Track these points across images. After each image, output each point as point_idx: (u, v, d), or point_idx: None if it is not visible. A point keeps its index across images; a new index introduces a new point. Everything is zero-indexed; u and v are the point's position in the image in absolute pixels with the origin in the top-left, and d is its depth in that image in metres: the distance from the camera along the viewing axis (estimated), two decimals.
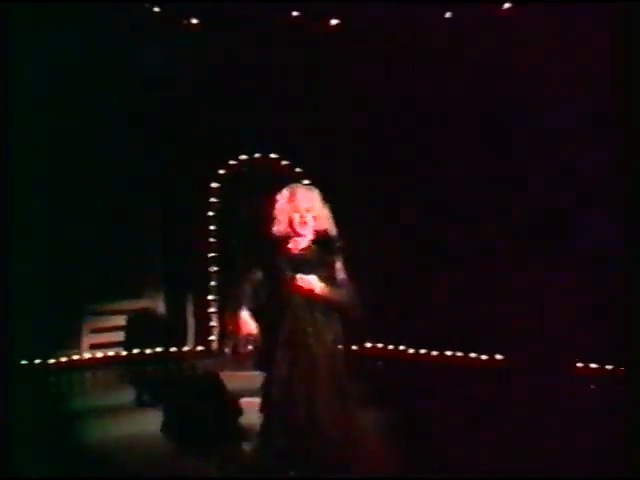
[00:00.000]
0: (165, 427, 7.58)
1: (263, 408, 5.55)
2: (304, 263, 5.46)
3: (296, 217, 5.50)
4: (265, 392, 5.53)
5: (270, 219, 5.59)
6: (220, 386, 7.88)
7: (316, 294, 5.38)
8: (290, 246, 5.53)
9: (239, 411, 7.42)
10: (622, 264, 6.05)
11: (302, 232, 5.50)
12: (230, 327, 5.16)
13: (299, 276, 5.37)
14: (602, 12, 6.68)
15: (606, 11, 6.54)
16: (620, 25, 5.84)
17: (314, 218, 5.51)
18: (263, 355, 5.65)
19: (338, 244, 5.52)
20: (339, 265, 5.51)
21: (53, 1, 7.47)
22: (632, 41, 5.55)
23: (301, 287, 5.37)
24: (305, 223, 5.50)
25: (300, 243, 5.53)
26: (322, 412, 5.31)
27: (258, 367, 5.73)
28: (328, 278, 5.44)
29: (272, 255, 5.55)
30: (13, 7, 6.14)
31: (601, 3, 6.70)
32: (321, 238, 5.52)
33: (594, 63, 7.30)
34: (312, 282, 5.37)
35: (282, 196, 5.58)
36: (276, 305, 5.48)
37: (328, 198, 5.63)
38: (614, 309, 6.80)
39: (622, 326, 5.61)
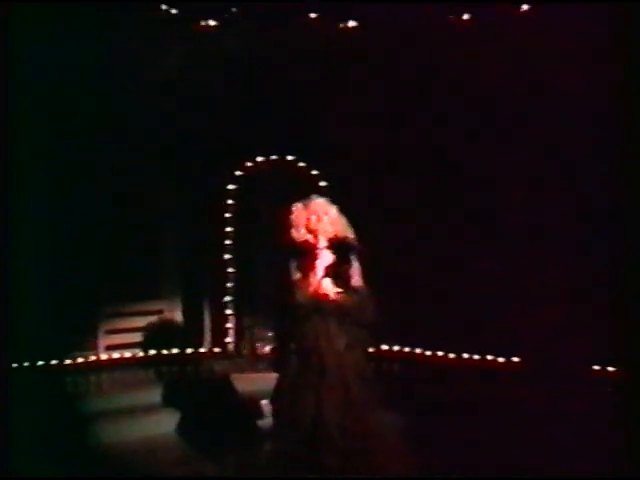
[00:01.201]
0: (182, 428, 7.60)
1: (274, 412, 5.58)
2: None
3: (313, 218, 5.53)
4: (276, 395, 5.56)
5: (288, 226, 5.62)
6: (237, 388, 7.90)
7: (330, 299, 5.39)
8: (308, 252, 5.55)
9: (255, 413, 7.44)
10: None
11: (319, 229, 5.52)
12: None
13: (313, 281, 5.39)
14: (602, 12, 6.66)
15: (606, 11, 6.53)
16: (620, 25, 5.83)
17: (331, 223, 5.54)
18: (279, 358, 5.68)
19: (355, 251, 5.53)
20: (355, 271, 5.52)
21: (58, 1, 7.49)
22: (632, 41, 5.54)
23: (316, 292, 5.37)
24: (321, 221, 5.53)
25: (318, 249, 5.55)
26: (330, 420, 5.31)
27: (276, 369, 5.76)
28: (343, 284, 5.44)
29: (289, 260, 5.58)
30: (19, 7, 6.18)
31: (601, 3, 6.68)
32: (337, 244, 5.53)
33: (594, 63, 7.28)
34: (326, 287, 5.39)
35: (296, 206, 5.64)
36: (291, 310, 5.49)
37: (345, 206, 5.66)
38: (632, 312, 6.81)
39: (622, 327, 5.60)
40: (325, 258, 5.50)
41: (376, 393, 5.59)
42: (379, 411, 5.60)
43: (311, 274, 5.47)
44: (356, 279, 5.52)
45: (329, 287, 5.41)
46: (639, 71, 5.47)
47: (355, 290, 5.48)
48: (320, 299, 5.40)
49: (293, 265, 5.56)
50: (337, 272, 5.46)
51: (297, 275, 5.52)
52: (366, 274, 5.60)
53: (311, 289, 5.41)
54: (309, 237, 5.56)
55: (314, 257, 5.51)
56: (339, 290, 5.43)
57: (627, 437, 5.26)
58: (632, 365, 5.47)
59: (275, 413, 5.58)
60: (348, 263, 5.50)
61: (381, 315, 5.61)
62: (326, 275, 5.44)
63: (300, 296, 5.44)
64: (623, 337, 5.95)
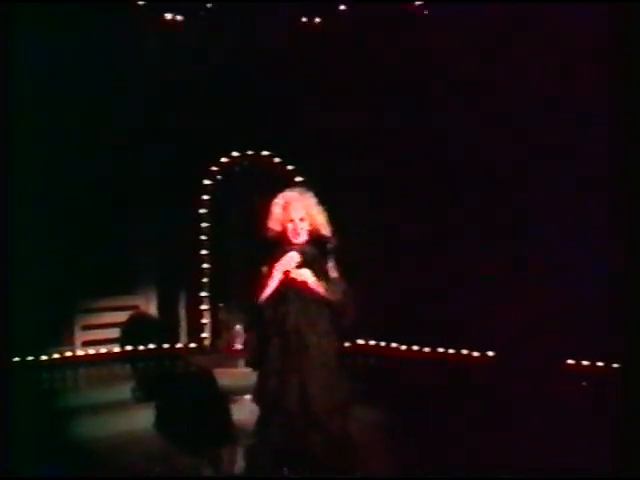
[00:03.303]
0: (158, 424, 7.61)
1: (257, 400, 5.58)
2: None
3: (289, 227, 5.54)
4: (260, 384, 5.57)
5: (264, 228, 5.63)
6: (213, 383, 7.92)
7: (309, 287, 5.41)
8: (285, 245, 5.57)
9: (233, 407, 7.46)
10: (616, 262, 6.11)
11: (297, 242, 5.54)
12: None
13: (293, 269, 5.41)
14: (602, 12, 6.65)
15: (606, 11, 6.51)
16: (620, 25, 5.83)
17: (309, 221, 5.56)
18: (255, 351, 5.69)
19: (332, 245, 5.56)
20: (332, 264, 5.55)
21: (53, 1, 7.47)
22: (632, 41, 5.55)
23: (294, 280, 5.40)
24: (298, 234, 5.54)
25: (294, 243, 5.57)
26: (315, 401, 5.33)
27: (250, 364, 5.77)
28: (322, 274, 5.47)
29: (268, 249, 5.60)
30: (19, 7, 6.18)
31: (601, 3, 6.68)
32: (315, 238, 5.56)
33: (594, 63, 7.30)
34: (305, 275, 5.41)
35: (275, 205, 5.62)
36: (270, 298, 5.52)
37: (322, 199, 5.67)
38: (606, 306, 6.85)
39: (620, 324, 5.61)
40: (304, 249, 5.54)
41: (350, 385, 5.63)
42: (352, 404, 5.64)
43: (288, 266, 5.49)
44: (333, 273, 5.54)
45: (308, 275, 5.43)
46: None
47: (334, 283, 5.51)
48: (299, 286, 5.42)
49: (270, 258, 5.59)
50: (315, 266, 5.49)
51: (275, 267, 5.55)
52: (343, 269, 5.64)
53: (291, 276, 5.43)
54: (284, 241, 5.57)
55: (293, 247, 5.54)
56: (318, 280, 5.45)
57: (627, 434, 5.27)
58: (630, 362, 5.49)
59: (259, 399, 5.57)
60: (325, 257, 5.53)
61: (357, 310, 5.64)
62: (304, 265, 5.46)
63: (278, 284, 5.47)
64: (613, 332, 5.98)
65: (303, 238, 5.55)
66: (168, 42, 8.65)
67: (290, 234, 5.53)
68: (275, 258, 5.51)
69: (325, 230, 5.58)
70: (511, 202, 7.91)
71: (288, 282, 5.44)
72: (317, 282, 5.43)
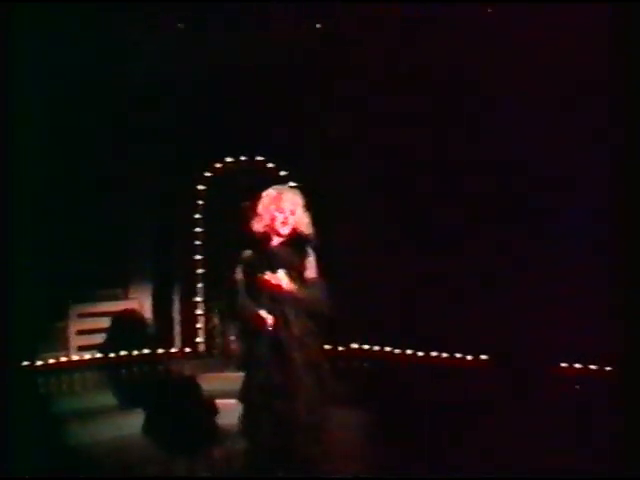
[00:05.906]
0: (153, 429, 7.62)
1: (241, 399, 5.63)
2: (275, 260, 5.56)
3: (279, 217, 5.60)
4: (244, 385, 5.61)
5: (252, 215, 5.68)
6: (207, 387, 7.93)
7: (284, 290, 5.46)
8: (265, 244, 5.62)
9: (227, 411, 7.47)
10: (609, 263, 6.15)
11: (282, 232, 5.60)
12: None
13: (267, 273, 5.46)
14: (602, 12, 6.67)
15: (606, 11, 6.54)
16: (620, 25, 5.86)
17: (296, 219, 5.62)
18: (243, 354, 5.74)
19: (312, 244, 5.61)
20: (310, 264, 5.60)
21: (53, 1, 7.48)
22: (632, 41, 5.58)
23: (269, 282, 5.44)
24: (286, 224, 5.59)
25: (275, 241, 5.62)
26: (299, 403, 5.38)
27: (240, 368, 5.82)
28: (298, 276, 5.52)
29: (247, 252, 5.66)
30: (19, 7, 6.21)
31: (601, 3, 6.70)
32: (295, 237, 5.61)
33: (594, 62, 7.32)
34: (280, 278, 5.45)
35: (268, 194, 5.69)
36: (249, 302, 5.57)
37: (311, 203, 5.73)
38: (598, 308, 6.89)
39: (615, 327, 5.65)
40: (282, 249, 5.59)
41: (332, 390, 5.68)
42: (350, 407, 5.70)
43: (267, 264, 5.54)
44: (310, 272, 5.60)
45: (283, 277, 5.48)
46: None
47: (309, 282, 5.56)
48: (274, 289, 5.47)
49: (250, 254, 5.64)
50: (292, 264, 5.54)
51: (253, 264, 5.61)
52: (329, 272, 5.68)
53: (265, 279, 5.48)
54: (271, 231, 5.62)
55: (271, 248, 5.60)
56: (293, 281, 5.49)
57: (626, 435, 5.30)
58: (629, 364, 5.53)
59: (242, 399, 5.62)
60: (303, 255, 5.58)
61: (335, 308, 5.67)
62: (281, 266, 5.51)
63: (256, 288, 5.52)
64: (605, 335, 6.04)
65: (288, 231, 5.61)
66: (164, 47, 8.66)
67: (278, 225, 5.58)
68: (258, 250, 5.58)
69: (307, 229, 5.63)
70: (509, 206, 7.94)
71: (263, 286, 5.49)
72: (291, 284, 5.47)
